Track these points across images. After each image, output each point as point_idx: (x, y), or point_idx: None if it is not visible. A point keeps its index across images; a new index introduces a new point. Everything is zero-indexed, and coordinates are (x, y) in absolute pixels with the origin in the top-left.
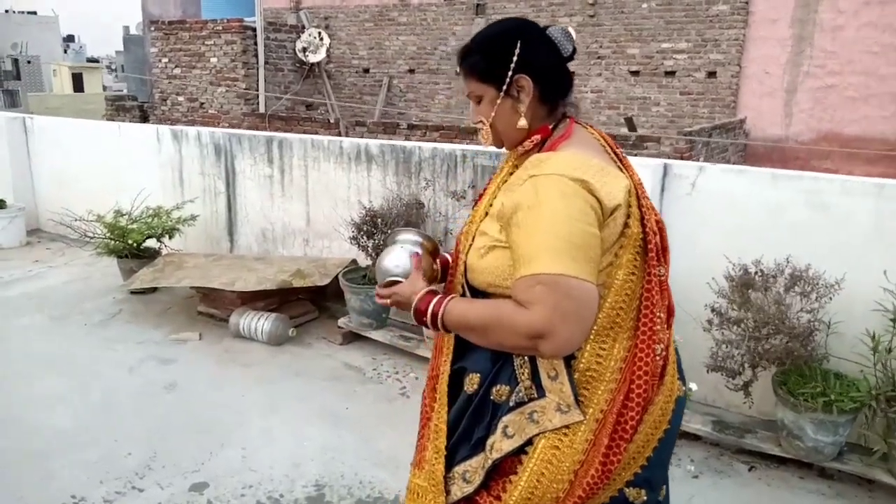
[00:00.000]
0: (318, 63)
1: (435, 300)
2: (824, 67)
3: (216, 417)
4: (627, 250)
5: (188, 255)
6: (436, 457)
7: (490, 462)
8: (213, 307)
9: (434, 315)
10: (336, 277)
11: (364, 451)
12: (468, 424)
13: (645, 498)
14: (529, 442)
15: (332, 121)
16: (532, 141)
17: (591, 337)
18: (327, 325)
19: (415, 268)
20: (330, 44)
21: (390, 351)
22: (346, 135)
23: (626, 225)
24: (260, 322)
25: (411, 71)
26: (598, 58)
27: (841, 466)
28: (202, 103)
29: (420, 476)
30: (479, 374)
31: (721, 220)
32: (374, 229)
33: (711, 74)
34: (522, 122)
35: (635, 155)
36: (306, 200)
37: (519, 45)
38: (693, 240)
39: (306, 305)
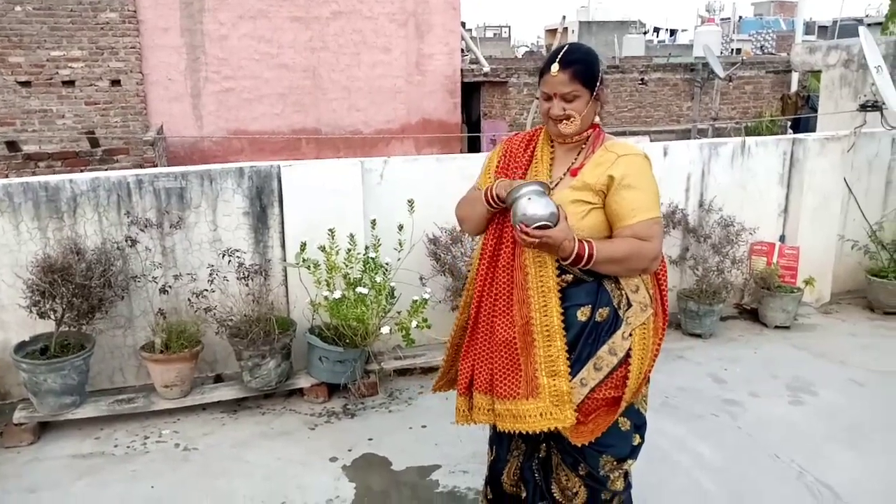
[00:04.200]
0: None
1: (586, 244)
2: (220, 73)
3: None
4: None
5: None
6: (556, 378)
7: (617, 360)
8: None
9: (590, 255)
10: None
11: None
12: (583, 346)
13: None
14: (630, 335)
15: None
16: (587, 133)
17: None
18: None
19: (563, 218)
20: None
21: (109, 422)
22: None
23: None
24: None
25: None
26: None
27: None
28: None
29: (536, 401)
30: (589, 305)
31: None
32: (62, 284)
33: (116, 83)
34: (597, 119)
35: (106, 169)
36: None
37: (601, 65)
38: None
39: None
